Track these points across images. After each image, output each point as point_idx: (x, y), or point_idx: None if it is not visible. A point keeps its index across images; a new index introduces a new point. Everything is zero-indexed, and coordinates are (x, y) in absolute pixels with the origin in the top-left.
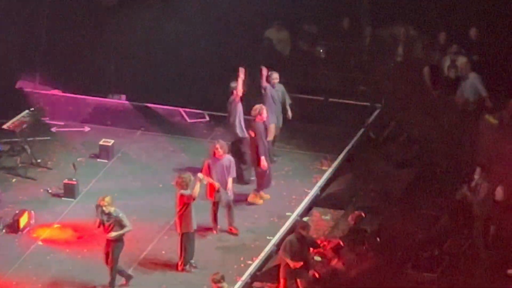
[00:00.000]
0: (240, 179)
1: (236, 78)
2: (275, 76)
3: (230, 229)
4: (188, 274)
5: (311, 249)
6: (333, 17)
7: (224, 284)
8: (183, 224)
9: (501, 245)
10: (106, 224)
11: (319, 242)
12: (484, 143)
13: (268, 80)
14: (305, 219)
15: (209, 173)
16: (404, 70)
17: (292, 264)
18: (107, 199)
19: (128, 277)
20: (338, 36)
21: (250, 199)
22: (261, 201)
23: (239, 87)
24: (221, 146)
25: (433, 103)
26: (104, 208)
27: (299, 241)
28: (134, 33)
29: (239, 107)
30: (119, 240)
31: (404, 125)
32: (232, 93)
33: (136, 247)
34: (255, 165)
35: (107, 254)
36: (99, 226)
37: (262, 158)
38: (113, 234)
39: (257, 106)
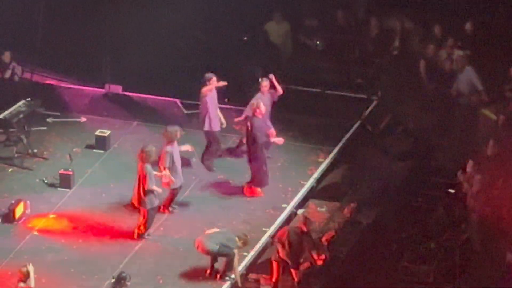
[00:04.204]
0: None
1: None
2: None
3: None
4: (185, 265)
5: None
6: (331, 10)
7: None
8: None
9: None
10: None
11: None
12: (481, 137)
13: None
14: (300, 211)
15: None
16: (401, 63)
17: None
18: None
19: None
20: (336, 29)
21: (249, 194)
22: (260, 192)
23: (209, 86)
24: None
25: (429, 97)
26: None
27: (297, 235)
28: (130, 23)
29: (204, 102)
30: None
31: (400, 118)
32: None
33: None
34: (251, 160)
35: None
36: None
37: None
38: None
39: (254, 101)
